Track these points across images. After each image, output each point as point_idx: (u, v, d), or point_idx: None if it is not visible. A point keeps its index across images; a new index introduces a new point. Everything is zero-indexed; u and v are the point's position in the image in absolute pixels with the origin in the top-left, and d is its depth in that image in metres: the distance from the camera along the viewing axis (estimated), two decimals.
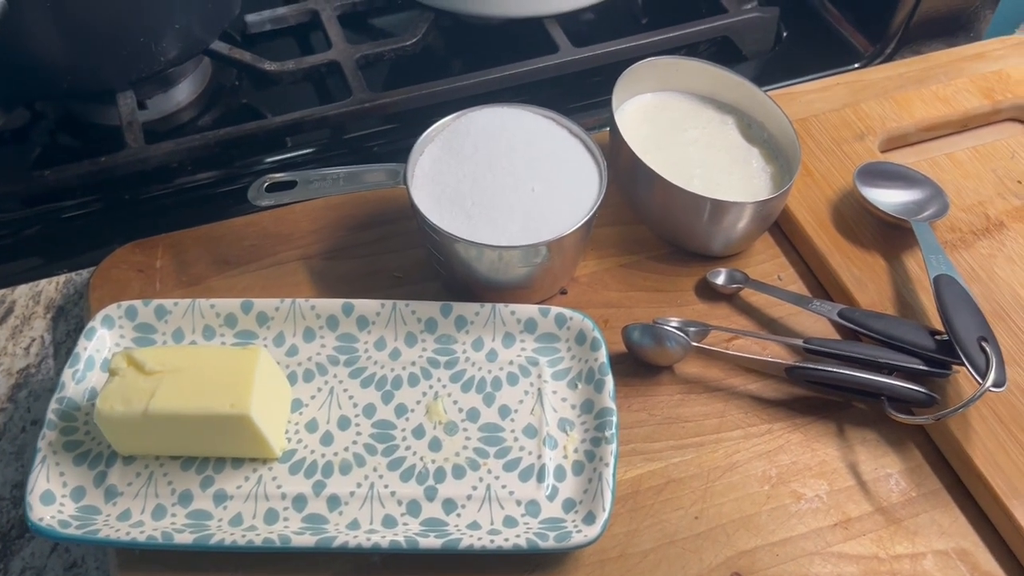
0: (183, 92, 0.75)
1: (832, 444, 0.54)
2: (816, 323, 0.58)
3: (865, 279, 0.59)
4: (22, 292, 0.61)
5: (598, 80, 0.75)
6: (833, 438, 0.54)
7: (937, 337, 0.54)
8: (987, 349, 0.51)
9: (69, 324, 0.60)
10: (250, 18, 0.77)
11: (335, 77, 0.74)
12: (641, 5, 0.84)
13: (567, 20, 0.76)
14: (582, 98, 0.75)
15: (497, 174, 0.56)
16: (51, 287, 0.62)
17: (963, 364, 0.51)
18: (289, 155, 0.73)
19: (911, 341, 0.54)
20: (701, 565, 0.49)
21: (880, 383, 0.53)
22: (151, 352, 0.49)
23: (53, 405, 0.51)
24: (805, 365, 0.54)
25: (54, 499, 0.48)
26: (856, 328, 0.56)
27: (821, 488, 0.52)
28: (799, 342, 0.55)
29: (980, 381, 0.50)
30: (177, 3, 0.65)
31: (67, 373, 0.52)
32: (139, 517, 0.48)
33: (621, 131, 0.60)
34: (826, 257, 0.60)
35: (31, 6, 0.59)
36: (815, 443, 0.54)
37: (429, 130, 0.58)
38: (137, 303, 0.55)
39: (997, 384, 0.50)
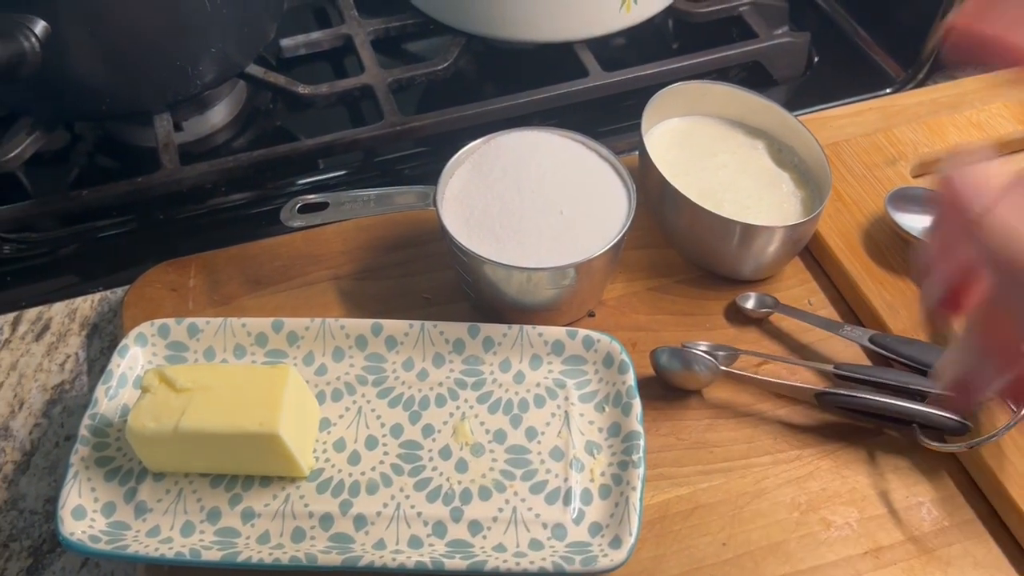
0: (218, 115, 0.76)
1: (863, 471, 0.53)
2: (847, 349, 0.58)
3: (897, 305, 0.58)
4: (58, 309, 0.62)
5: (628, 104, 0.75)
6: (864, 465, 0.53)
7: None
8: None
9: (103, 341, 0.61)
10: (285, 42, 0.78)
11: (368, 101, 0.75)
12: (672, 30, 0.84)
13: (597, 45, 0.77)
14: (612, 122, 0.75)
15: (526, 197, 0.56)
16: (86, 305, 0.63)
17: None
18: (321, 177, 0.74)
19: None
20: None
21: (912, 410, 0.52)
22: (182, 370, 0.50)
23: (86, 421, 0.52)
24: (836, 391, 0.54)
25: (85, 514, 0.49)
26: (888, 354, 0.55)
27: (851, 516, 0.51)
28: (829, 368, 0.55)
29: (1015, 409, 0.49)
30: (214, 28, 0.67)
31: (100, 390, 0.53)
32: (168, 533, 0.49)
33: (650, 155, 0.60)
34: (857, 283, 0.59)
35: (73, 29, 0.60)
36: (845, 470, 0.53)
37: (459, 153, 0.59)
38: (169, 321, 0.56)
39: None
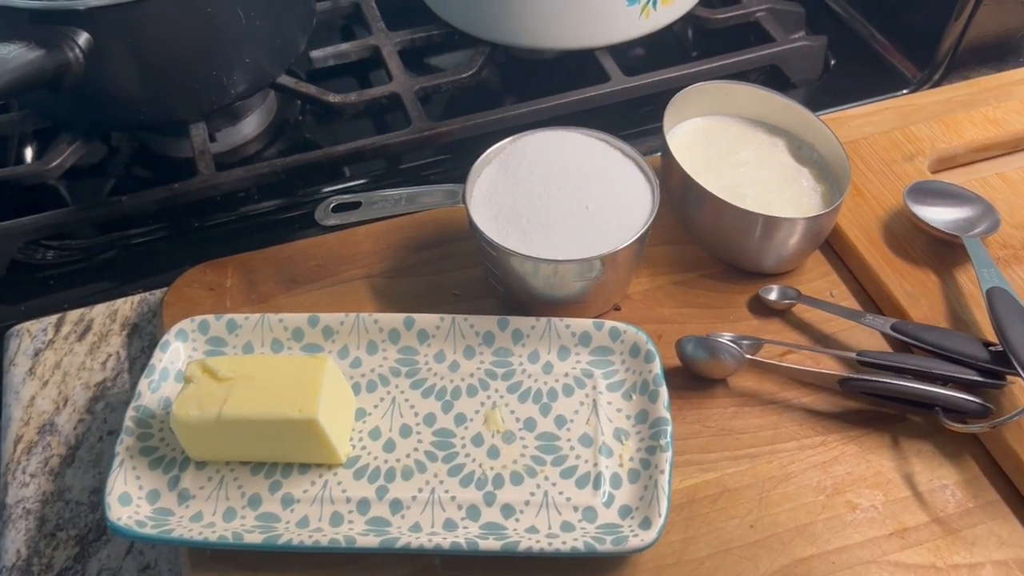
0: (250, 126, 0.79)
1: (887, 455, 0.54)
2: (869, 338, 0.59)
3: (917, 294, 0.59)
4: (99, 311, 0.65)
5: (648, 109, 0.77)
6: (888, 450, 0.54)
7: (991, 348, 0.54)
8: None
9: (143, 340, 0.63)
10: (315, 54, 0.80)
11: (394, 112, 0.78)
12: (691, 37, 0.86)
13: (618, 52, 0.78)
14: (632, 126, 0.77)
15: (552, 193, 0.58)
16: (126, 306, 0.65)
17: (1018, 374, 0.51)
18: (348, 184, 0.76)
19: (965, 352, 0.54)
20: (757, 572, 0.49)
21: (934, 393, 0.53)
22: (224, 360, 0.52)
23: (130, 413, 0.53)
24: (859, 377, 0.55)
25: (131, 500, 0.51)
26: (909, 341, 0.56)
27: (877, 498, 0.52)
28: (852, 355, 0.56)
29: None
30: (247, 39, 0.69)
31: (143, 383, 0.55)
32: (210, 519, 0.50)
33: (672, 152, 0.62)
34: (878, 273, 0.61)
35: (114, 40, 0.63)
36: (870, 454, 0.54)
37: (487, 152, 0.61)
38: (209, 317, 0.58)
39: None
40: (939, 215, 0.62)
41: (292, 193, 0.74)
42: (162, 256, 0.70)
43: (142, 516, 0.50)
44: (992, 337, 0.54)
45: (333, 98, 0.75)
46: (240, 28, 0.68)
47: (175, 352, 0.57)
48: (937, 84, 0.79)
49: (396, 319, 0.58)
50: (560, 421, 0.54)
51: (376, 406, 0.55)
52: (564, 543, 0.48)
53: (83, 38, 0.62)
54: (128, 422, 0.53)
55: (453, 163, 0.77)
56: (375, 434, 0.54)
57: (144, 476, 0.52)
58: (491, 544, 0.48)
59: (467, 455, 0.53)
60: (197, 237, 0.72)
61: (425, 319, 0.58)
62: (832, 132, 0.62)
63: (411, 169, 0.78)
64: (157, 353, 0.56)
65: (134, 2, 0.61)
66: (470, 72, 0.77)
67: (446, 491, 0.51)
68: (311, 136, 0.82)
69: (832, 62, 0.83)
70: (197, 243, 0.71)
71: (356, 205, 0.60)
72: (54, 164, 0.69)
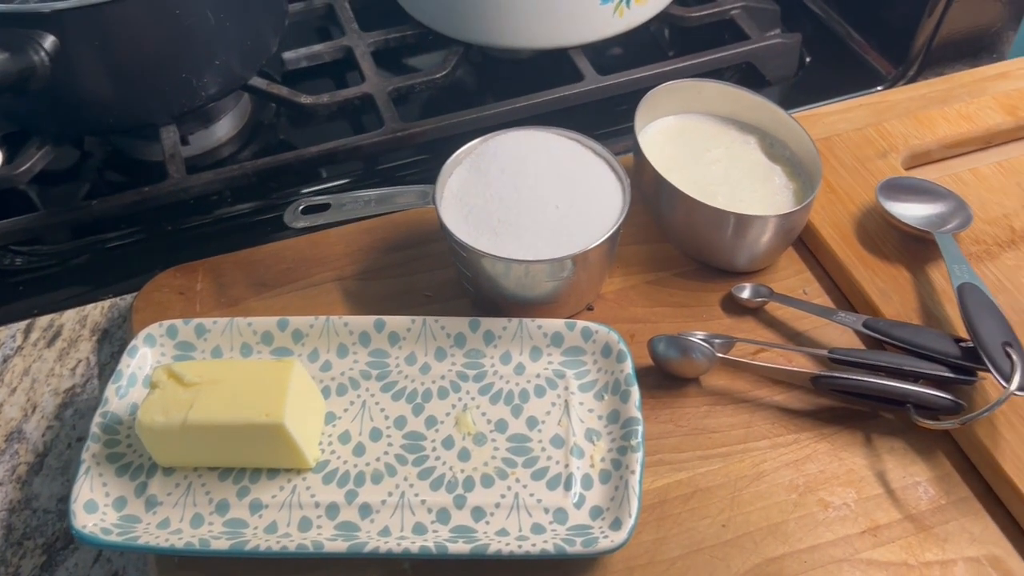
0: (223, 128, 0.78)
1: (859, 453, 0.54)
2: (842, 336, 0.59)
3: (889, 291, 0.59)
4: (69, 316, 0.64)
5: (623, 108, 0.77)
6: (860, 447, 0.54)
7: (962, 344, 0.54)
8: (1012, 354, 0.51)
9: (113, 346, 0.62)
10: (287, 55, 0.80)
11: (369, 113, 0.77)
12: (666, 36, 0.86)
13: (593, 51, 0.78)
14: (607, 125, 0.76)
15: (523, 193, 0.58)
16: (96, 312, 0.64)
17: (988, 370, 0.51)
18: (323, 186, 0.75)
19: (936, 348, 0.54)
20: (729, 572, 0.49)
21: (906, 390, 0.53)
22: (190, 366, 0.51)
23: (97, 419, 0.53)
24: (831, 374, 0.54)
25: (97, 508, 0.50)
26: (881, 337, 0.56)
27: (849, 496, 0.52)
28: (824, 352, 0.56)
29: (1005, 385, 0.50)
30: (217, 41, 0.68)
31: (110, 389, 0.54)
32: (178, 525, 0.50)
33: (644, 152, 0.62)
34: (850, 270, 0.60)
35: (81, 43, 0.62)
36: (842, 452, 0.54)
37: (457, 152, 0.60)
38: (177, 322, 0.57)
39: (1023, 388, 0.50)
40: (911, 211, 0.62)
41: (267, 196, 0.74)
42: (133, 260, 0.70)
43: (108, 524, 0.50)
44: (963, 333, 0.54)
45: (305, 99, 0.75)
46: (210, 29, 0.67)
47: (143, 357, 0.56)
48: (911, 81, 0.79)
49: (366, 321, 0.57)
50: (531, 422, 0.54)
51: (346, 410, 0.55)
52: (534, 545, 0.48)
53: (49, 41, 0.61)
54: (95, 429, 0.53)
55: (429, 164, 0.76)
56: (345, 438, 0.53)
57: (111, 483, 0.51)
58: (460, 547, 0.48)
59: (437, 458, 0.52)
60: (170, 241, 0.72)
61: (396, 321, 0.57)
62: (803, 129, 0.62)
63: (387, 170, 0.77)
64: (124, 359, 0.56)
65: (100, 4, 0.61)
66: (444, 72, 0.77)
67: (416, 495, 0.51)
68: (286, 138, 0.81)
69: (807, 59, 0.82)
70: (170, 247, 0.71)
71: (326, 207, 0.60)
72: (23, 169, 0.68)
